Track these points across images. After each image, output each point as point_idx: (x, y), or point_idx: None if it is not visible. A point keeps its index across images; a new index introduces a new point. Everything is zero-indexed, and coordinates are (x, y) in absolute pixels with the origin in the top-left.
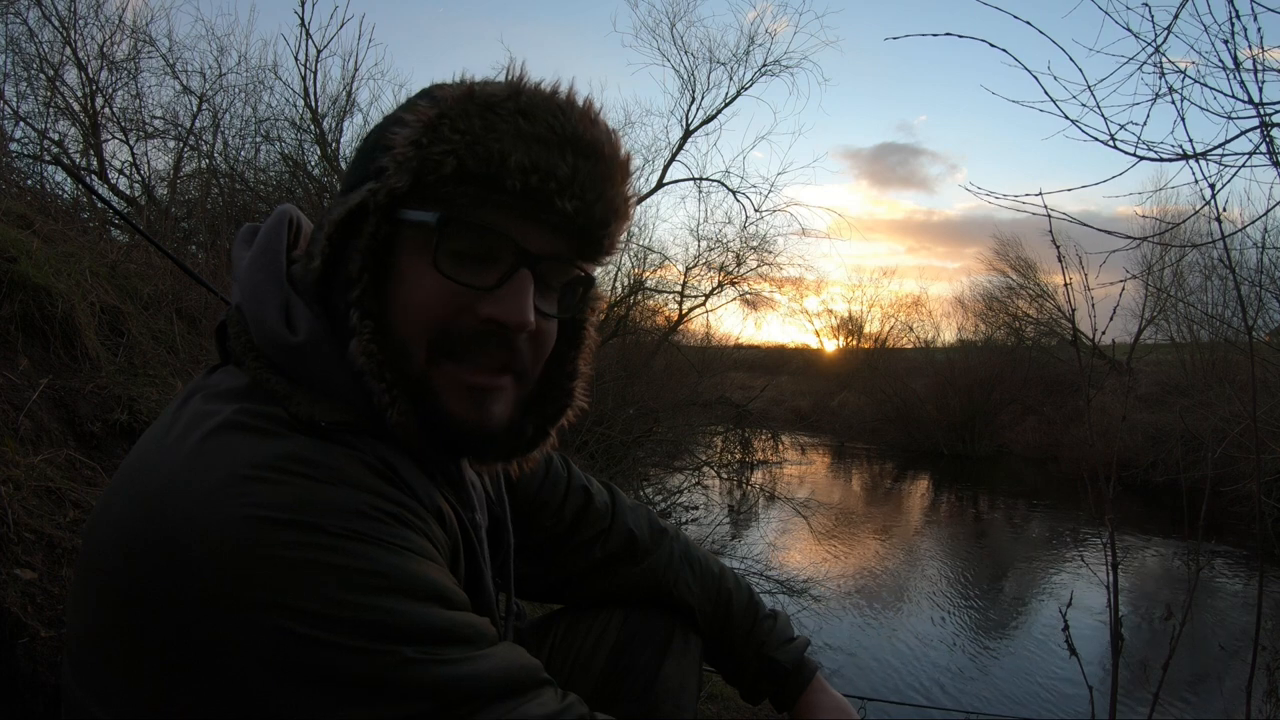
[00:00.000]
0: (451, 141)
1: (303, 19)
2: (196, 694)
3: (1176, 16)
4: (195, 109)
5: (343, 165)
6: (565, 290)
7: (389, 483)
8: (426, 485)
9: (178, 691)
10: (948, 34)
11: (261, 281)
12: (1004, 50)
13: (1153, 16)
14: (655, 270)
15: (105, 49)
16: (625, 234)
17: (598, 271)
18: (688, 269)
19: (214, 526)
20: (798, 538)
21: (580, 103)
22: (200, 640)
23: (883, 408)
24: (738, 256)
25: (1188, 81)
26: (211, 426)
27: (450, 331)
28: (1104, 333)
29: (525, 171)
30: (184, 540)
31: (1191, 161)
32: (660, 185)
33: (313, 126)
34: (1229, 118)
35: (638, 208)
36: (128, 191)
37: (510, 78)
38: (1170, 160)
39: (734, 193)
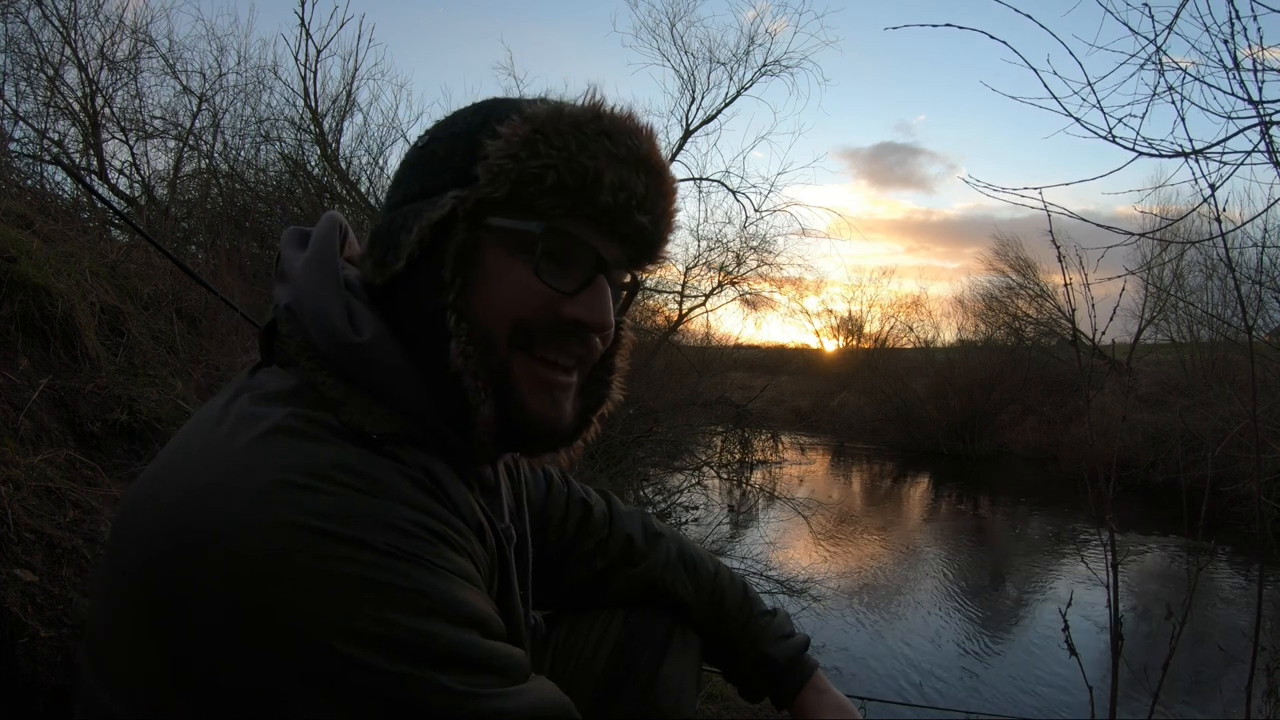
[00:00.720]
0: (550, 157)
1: (303, 19)
2: (222, 700)
3: (1178, 15)
4: (195, 109)
5: (343, 165)
6: (617, 294)
7: (435, 498)
8: (468, 500)
9: (204, 696)
10: (948, 25)
11: (321, 282)
12: (1004, 43)
13: (1152, 15)
14: (655, 270)
15: (105, 49)
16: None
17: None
18: (688, 269)
19: (257, 531)
20: (798, 538)
21: (643, 126)
22: (230, 647)
23: (883, 408)
24: (738, 256)
25: (1188, 80)
26: (262, 430)
27: (533, 325)
28: (1104, 333)
29: (614, 189)
30: (224, 542)
31: (1191, 159)
32: None
33: (313, 126)
34: (1228, 117)
35: None
36: (128, 191)
37: (590, 100)
38: (1169, 157)
39: (734, 193)
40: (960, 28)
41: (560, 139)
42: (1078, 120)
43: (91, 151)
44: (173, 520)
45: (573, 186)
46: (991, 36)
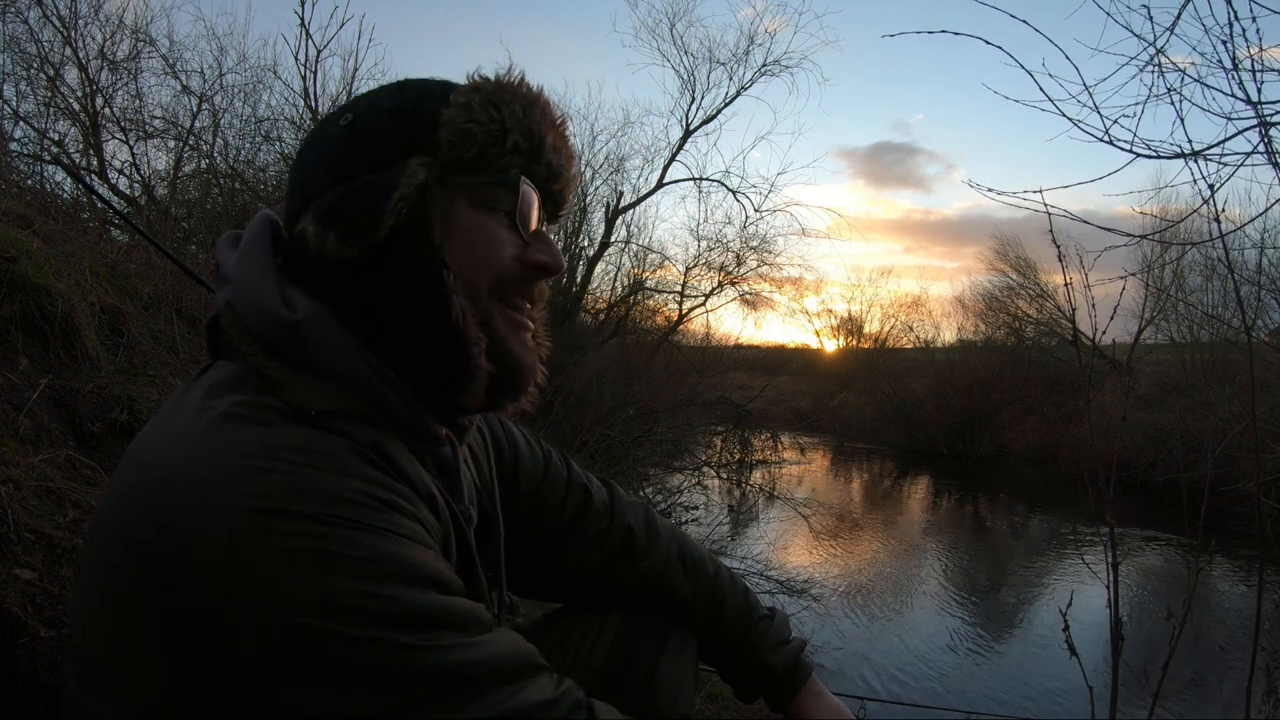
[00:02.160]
0: (506, 120)
1: (302, 19)
2: (194, 685)
3: (1179, 17)
4: (195, 109)
5: None
6: None
7: (381, 470)
8: (419, 471)
9: (176, 684)
10: (944, 31)
11: (253, 272)
12: (999, 48)
13: (1152, 17)
14: (655, 270)
15: (105, 49)
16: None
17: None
18: (688, 269)
19: (210, 518)
20: (798, 538)
21: (545, 94)
22: (197, 631)
23: (883, 408)
24: (738, 256)
25: (1187, 81)
26: (208, 420)
27: (505, 275)
28: (1104, 333)
29: (553, 150)
30: (181, 532)
31: (1190, 160)
32: (660, 185)
33: (313, 126)
34: (1228, 118)
35: (639, 207)
36: (128, 191)
37: (511, 74)
38: (1169, 158)
39: (734, 193)
40: (956, 34)
41: (508, 106)
42: (1074, 122)
43: (91, 151)
44: (132, 519)
45: (525, 147)
46: (987, 42)
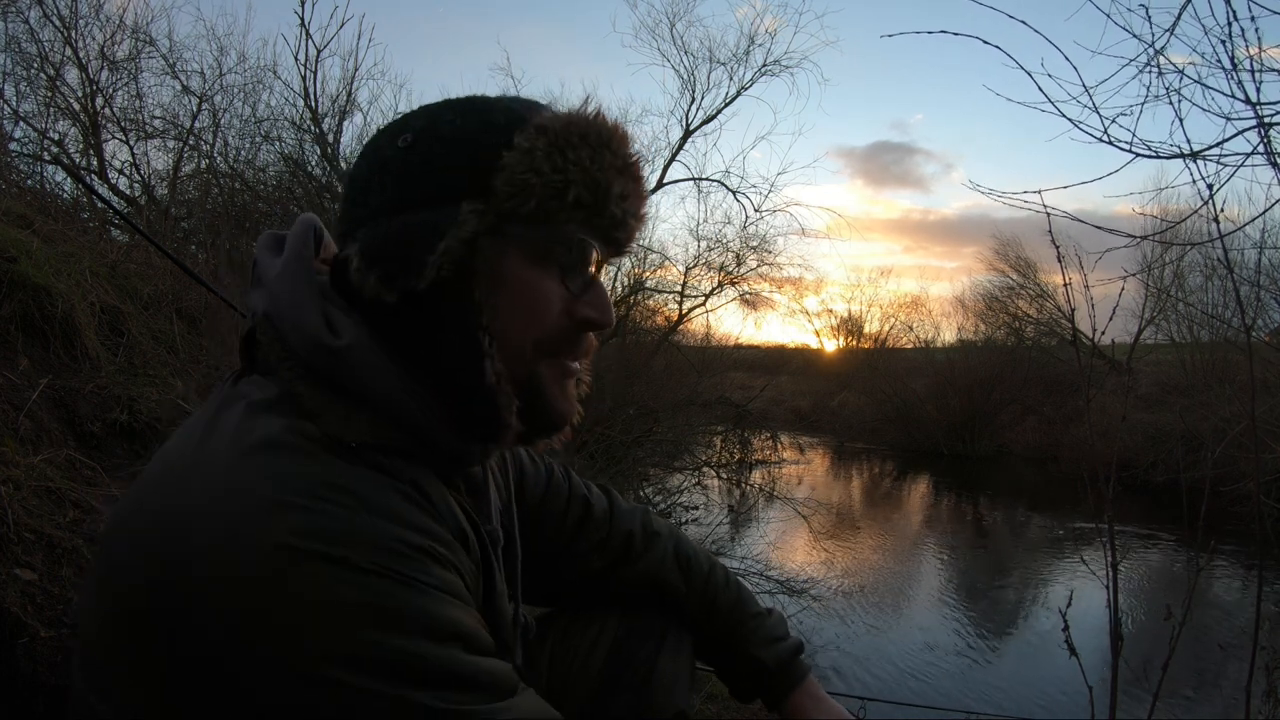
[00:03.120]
0: (569, 171)
1: (302, 19)
2: (204, 715)
3: (1178, 18)
4: (195, 109)
5: (343, 165)
6: None
7: (421, 510)
8: (452, 507)
9: (187, 710)
10: (943, 31)
11: (296, 288)
12: (998, 48)
13: (1150, 18)
14: (655, 270)
15: (105, 49)
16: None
17: None
18: (688, 269)
19: (240, 552)
20: (797, 538)
21: (627, 133)
22: (212, 666)
23: (883, 408)
24: (738, 256)
25: (1186, 82)
26: (246, 446)
27: (552, 332)
28: (1104, 333)
29: (619, 200)
30: (208, 563)
31: (1190, 161)
32: (660, 185)
33: (313, 126)
34: (1227, 118)
35: None
36: (128, 191)
37: (588, 108)
38: (1168, 158)
39: (734, 193)
40: (955, 34)
41: (575, 153)
42: (1075, 124)
43: (91, 151)
44: (159, 539)
45: (588, 200)
46: (985, 42)
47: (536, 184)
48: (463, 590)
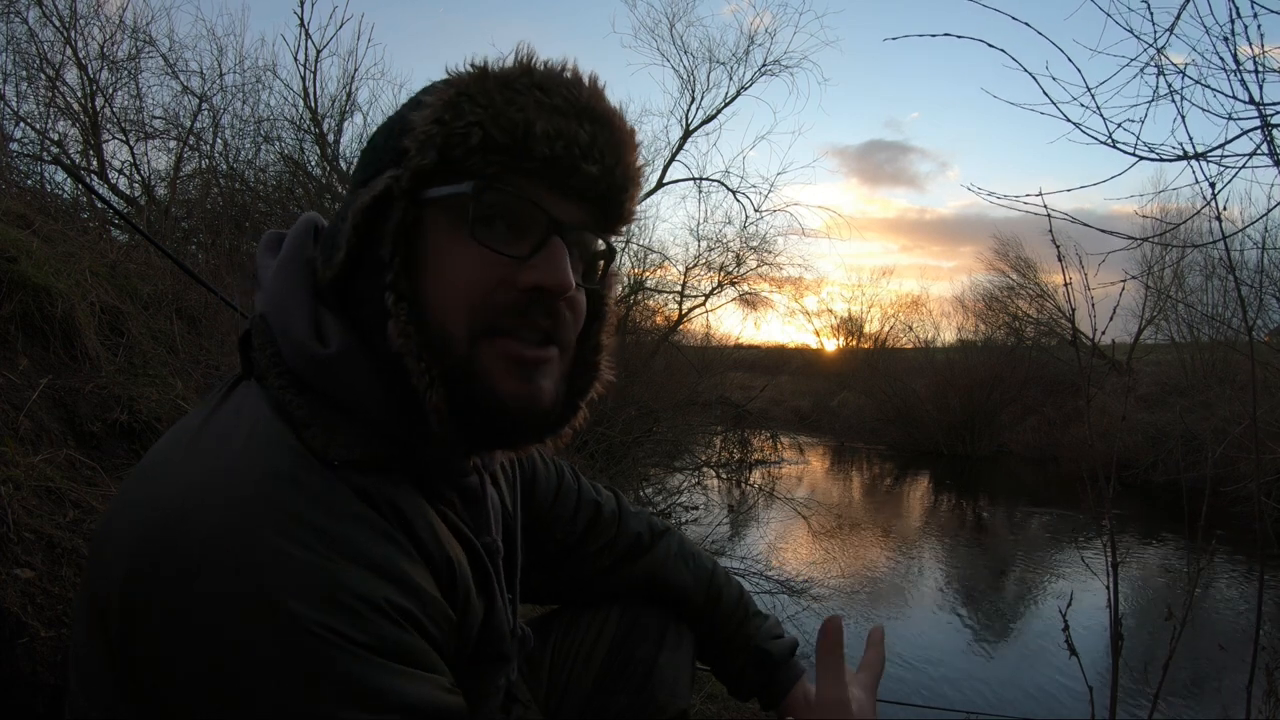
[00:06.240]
0: (475, 114)
1: (302, 19)
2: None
3: (1179, 17)
4: (195, 109)
5: (343, 165)
6: (590, 263)
7: (394, 545)
8: (436, 532)
9: (149, 716)
10: (946, 34)
11: (289, 291)
12: (1002, 50)
13: (1153, 17)
14: (655, 270)
15: (105, 49)
16: (640, 202)
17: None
18: (687, 269)
19: (196, 580)
20: (798, 538)
21: (587, 79)
22: (169, 679)
23: (883, 408)
24: (737, 256)
25: (1188, 82)
26: (226, 462)
27: (490, 305)
28: (1104, 333)
29: (550, 138)
30: (171, 584)
31: (1192, 161)
32: (660, 185)
33: (313, 126)
34: (1229, 118)
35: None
36: (128, 191)
37: (521, 57)
38: (1170, 160)
39: (734, 192)
40: (959, 36)
41: (486, 97)
42: (1077, 126)
43: (91, 151)
44: (135, 547)
45: (502, 142)
46: (990, 45)
47: (436, 134)
48: (423, 650)
